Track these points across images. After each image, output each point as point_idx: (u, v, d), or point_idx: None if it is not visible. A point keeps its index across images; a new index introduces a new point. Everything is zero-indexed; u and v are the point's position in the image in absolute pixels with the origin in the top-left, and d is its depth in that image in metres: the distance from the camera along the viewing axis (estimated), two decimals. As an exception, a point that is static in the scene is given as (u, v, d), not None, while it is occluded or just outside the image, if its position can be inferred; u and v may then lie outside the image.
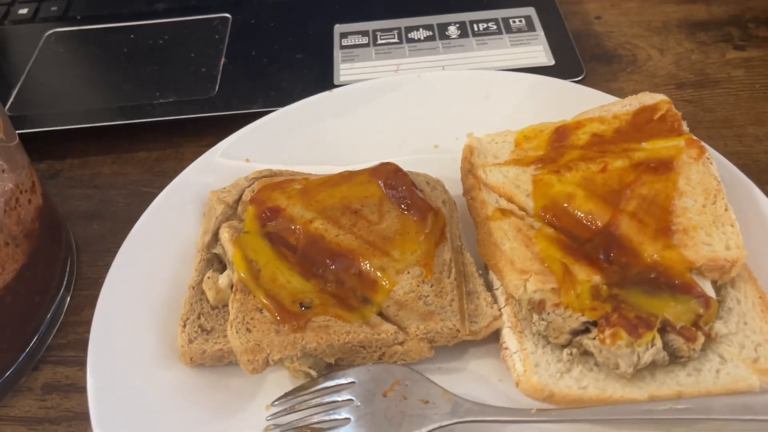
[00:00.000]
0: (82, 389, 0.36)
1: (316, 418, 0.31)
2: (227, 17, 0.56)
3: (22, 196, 0.37)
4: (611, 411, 0.30)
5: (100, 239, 0.44)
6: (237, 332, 0.33)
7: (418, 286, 0.35)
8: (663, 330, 0.31)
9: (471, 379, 0.34)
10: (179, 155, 0.49)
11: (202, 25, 0.56)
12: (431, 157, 0.44)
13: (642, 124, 0.41)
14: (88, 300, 0.40)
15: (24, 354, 0.36)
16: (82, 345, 0.38)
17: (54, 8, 0.59)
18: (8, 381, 0.36)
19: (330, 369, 0.34)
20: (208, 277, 0.36)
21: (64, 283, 0.41)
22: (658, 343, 0.31)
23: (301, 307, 0.34)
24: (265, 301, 0.34)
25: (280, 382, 0.34)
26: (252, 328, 0.33)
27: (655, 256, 0.33)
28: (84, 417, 0.34)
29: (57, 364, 0.37)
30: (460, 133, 0.43)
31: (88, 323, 0.38)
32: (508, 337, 0.33)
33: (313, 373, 0.33)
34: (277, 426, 0.32)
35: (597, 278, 0.33)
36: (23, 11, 0.59)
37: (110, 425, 0.31)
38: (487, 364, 0.34)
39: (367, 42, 0.52)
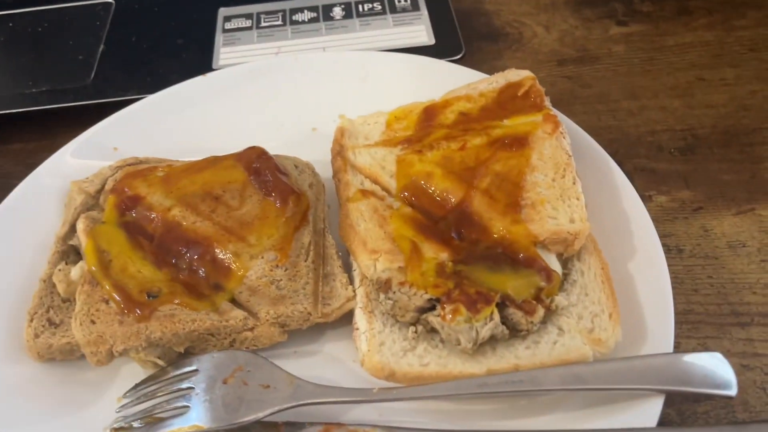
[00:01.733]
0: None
1: (159, 408, 0.31)
2: (110, 3, 0.55)
3: None
4: (448, 387, 0.30)
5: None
6: (81, 324, 0.32)
7: (272, 270, 0.34)
8: (503, 305, 0.31)
9: (326, 362, 0.34)
10: (55, 146, 0.47)
11: (83, 12, 0.54)
12: (307, 140, 0.44)
13: (506, 101, 0.41)
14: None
15: None
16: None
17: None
18: None
19: (180, 358, 0.33)
20: (59, 270, 0.36)
21: None
22: (497, 317, 0.31)
23: (148, 297, 0.33)
24: (111, 291, 0.33)
25: (133, 374, 0.34)
26: (96, 319, 0.33)
27: (503, 231, 0.33)
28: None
29: None
30: (338, 115, 0.42)
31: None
32: (359, 318, 0.33)
33: (161, 362, 0.33)
34: (124, 417, 0.32)
35: (444, 255, 0.33)
36: None
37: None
38: (342, 346, 0.34)
39: (250, 25, 0.52)
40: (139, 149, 0.43)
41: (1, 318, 0.35)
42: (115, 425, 0.32)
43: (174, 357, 0.33)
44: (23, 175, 0.46)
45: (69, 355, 0.34)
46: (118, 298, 0.33)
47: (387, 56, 0.47)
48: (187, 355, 0.34)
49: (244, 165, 0.39)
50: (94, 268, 0.34)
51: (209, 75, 0.46)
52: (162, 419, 0.31)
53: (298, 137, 0.44)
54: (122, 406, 0.32)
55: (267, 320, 0.33)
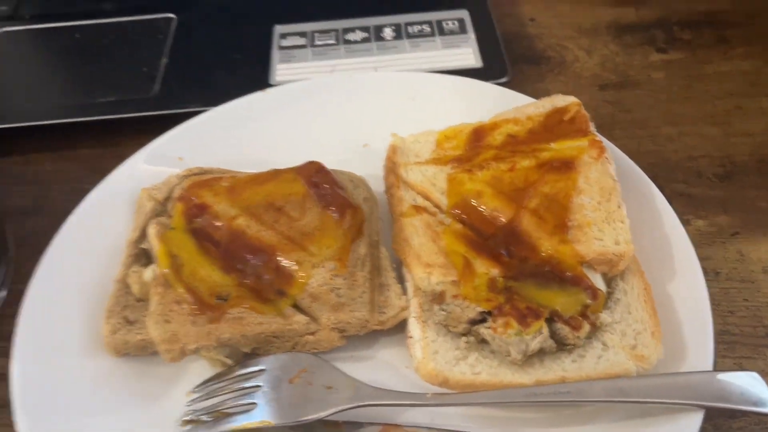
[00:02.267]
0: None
1: (227, 404, 0.33)
2: (172, 17, 0.58)
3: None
4: (499, 395, 0.32)
5: (40, 235, 0.45)
6: (156, 323, 0.35)
7: (332, 279, 0.37)
8: (551, 320, 0.33)
9: (379, 367, 0.36)
10: (119, 153, 0.50)
11: (146, 25, 0.57)
12: (360, 155, 0.46)
13: (553, 125, 0.43)
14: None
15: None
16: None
17: (4, 8, 0.60)
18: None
19: (246, 358, 0.36)
20: (134, 272, 0.38)
21: (2, 278, 0.42)
22: (546, 331, 0.33)
23: (218, 300, 0.36)
24: (183, 293, 0.36)
25: (201, 370, 0.36)
26: (171, 319, 0.35)
27: (551, 250, 0.35)
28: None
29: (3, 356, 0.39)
30: (388, 132, 0.45)
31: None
32: (413, 327, 0.35)
33: (229, 361, 0.35)
34: (194, 411, 0.34)
35: (495, 271, 0.35)
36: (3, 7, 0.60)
37: (33, 412, 0.33)
38: (395, 352, 0.37)
39: (304, 43, 0.54)
40: (203, 159, 0.45)
41: (80, 315, 0.37)
42: (185, 418, 0.34)
43: (240, 356, 0.36)
44: (90, 178, 0.49)
45: (143, 351, 0.36)
46: (190, 300, 0.36)
47: (436, 78, 0.49)
48: (252, 355, 0.36)
49: (304, 178, 0.42)
50: (166, 271, 0.37)
51: (269, 90, 0.48)
52: (229, 414, 0.33)
53: (351, 153, 0.47)
54: (192, 401, 0.35)
55: (327, 325, 0.35)
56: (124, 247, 0.41)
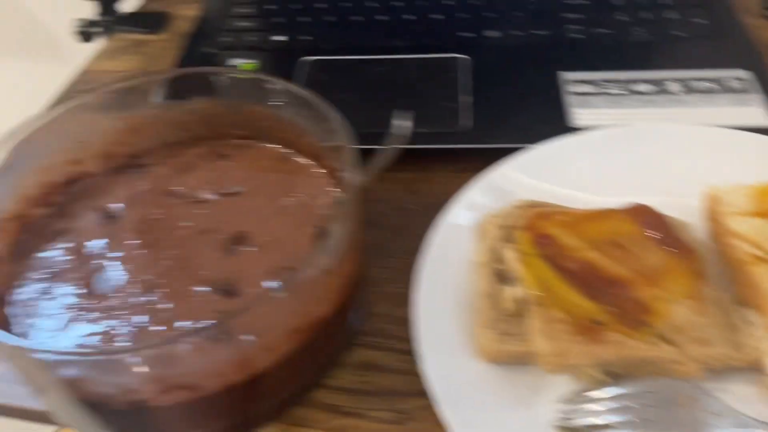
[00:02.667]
0: (393, 371, 0.44)
1: (602, 419, 0.38)
2: (463, 57, 0.64)
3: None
4: None
5: (379, 245, 0.52)
6: (543, 339, 0.40)
7: (691, 315, 0.41)
8: None
9: (735, 401, 0.40)
10: (430, 178, 0.57)
11: (441, 64, 0.64)
12: (670, 201, 0.50)
13: None
14: (379, 296, 0.48)
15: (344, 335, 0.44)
16: (383, 333, 0.46)
17: (307, 38, 0.68)
18: (333, 358, 0.44)
19: (617, 378, 0.41)
20: (504, 289, 0.44)
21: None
22: None
23: (595, 324, 0.41)
24: (562, 314, 0.41)
25: (565, 382, 0.41)
26: (555, 337, 0.40)
27: None
28: (400, 394, 0.43)
29: (366, 348, 0.45)
30: (696, 182, 0.49)
31: (383, 314, 0.47)
32: (771, 366, 0.39)
33: (605, 378, 0.40)
34: (568, 419, 0.39)
35: None
36: (279, 38, 0.69)
37: (452, 404, 0.38)
38: (749, 389, 0.40)
39: (594, 91, 0.59)
40: (525, 192, 0.51)
41: (452, 322, 0.43)
42: (560, 424, 0.39)
43: (611, 376, 0.41)
44: (408, 200, 0.55)
45: (515, 361, 0.42)
46: (570, 321, 0.41)
47: (744, 134, 0.53)
48: (620, 377, 0.41)
49: (636, 219, 0.47)
50: (538, 293, 0.42)
51: (578, 135, 0.53)
52: (604, 427, 0.38)
53: (659, 199, 0.51)
54: (563, 412, 0.40)
55: (692, 358, 0.40)
56: (476, 265, 0.46)
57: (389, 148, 0.33)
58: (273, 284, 0.41)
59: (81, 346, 0.39)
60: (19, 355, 0.34)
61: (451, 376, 0.40)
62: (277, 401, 0.41)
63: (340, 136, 0.42)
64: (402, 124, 0.32)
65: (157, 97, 0.51)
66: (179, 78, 0.53)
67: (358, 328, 0.46)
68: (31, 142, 0.46)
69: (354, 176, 0.37)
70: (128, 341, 0.39)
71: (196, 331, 0.35)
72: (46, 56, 1.18)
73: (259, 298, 0.34)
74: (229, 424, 0.40)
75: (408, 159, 0.58)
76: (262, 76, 0.47)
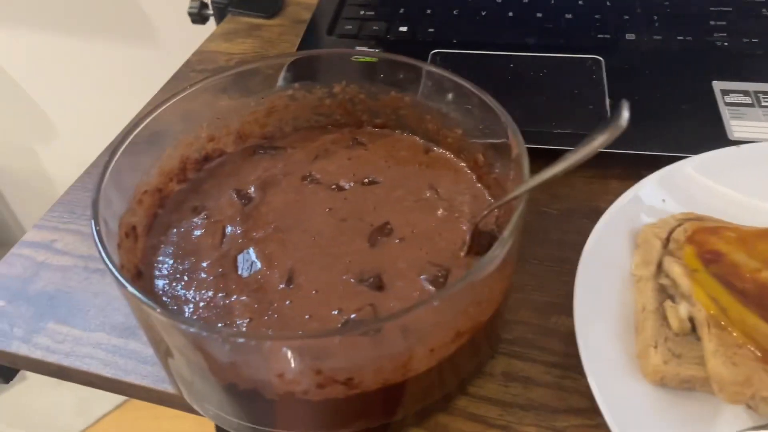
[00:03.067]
0: (540, 384, 0.41)
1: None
2: (599, 59, 0.60)
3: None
4: None
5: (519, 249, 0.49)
6: (723, 364, 0.36)
7: None
8: None
9: None
10: (568, 182, 0.54)
11: (576, 64, 0.60)
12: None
13: None
14: (519, 302, 0.45)
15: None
16: (526, 342, 0.43)
17: (431, 30, 0.66)
18: (477, 366, 0.41)
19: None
20: (671, 307, 0.40)
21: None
22: None
23: (782, 352, 0.37)
24: (744, 339, 0.37)
25: (743, 414, 0.37)
26: (737, 363, 0.37)
27: None
28: (548, 409, 0.39)
29: (509, 357, 0.42)
30: None
31: (524, 323, 0.44)
32: None
33: (795, 414, 0.36)
34: (751, 455, 0.35)
35: None
36: (403, 29, 0.66)
37: (621, 426, 0.35)
38: None
39: (750, 102, 0.55)
40: (684, 204, 0.47)
41: (615, 343, 0.40)
42: (740, 460, 0.35)
43: (799, 412, 0.37)
44: (546, 202, 0.52)
45: (680, 385, 0.38)
46: (753, 347, 0.37)
47: None
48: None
49: (816, 242, 0.42)
50: (713, 313, 0.39)
51: (742, 147, 0.49)
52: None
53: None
54: (745, 444, 0.36)
55: None
56: (635, 279, 0.43)
57: (602, 139, 0.30)
58: (434, 286, 0.39)
59: (234, 327, 0.37)
60: (177, 332, 0.32)
61: (619, 398, 0.37)
62: (423, 405, 0.38)
63: (509, 131, 0.39)
64: (626, 115, 0.29)
65: (288, 79, 0.49)
66: (316, 59, 0.51)
67: (501, 336, 0.43)
68: (171, 114, 0.44)
69: (540, 176, 0.34)
70: (276, 328, 0.37)
71: (365, 324, 0.33)
72: (141, 40, 1.18)
73: (432, 296, 0.31)
74: (372, 425, 0.38)
75: (541, 160, 0.55)
76: (418, 62, 0.45)
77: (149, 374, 0.42)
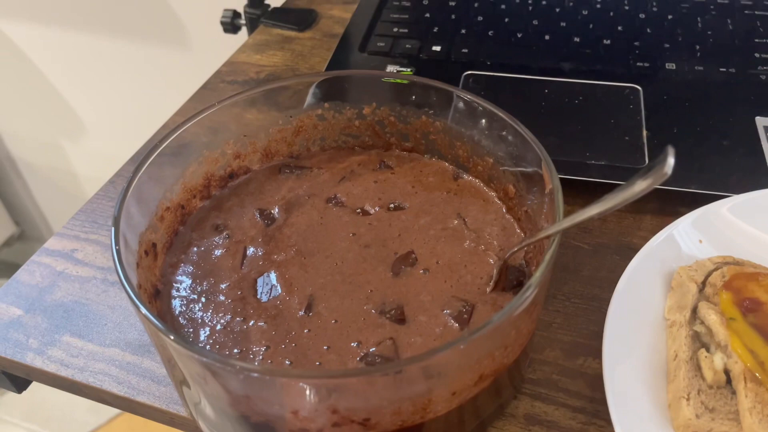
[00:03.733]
0: (563, 429, 0.39)
1: None
2: (637, 89, 0.58)
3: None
4: None
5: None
6: (759, 422, 0.35)
7: None
8: None
9: None
10: (604, 217, 0.52)
11: (613, 92, 0.59)
12: None
13: None
14: (545, 341, 0.43)
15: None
16: (551, 384, 0.41)
17: (465, 51, 0.64)
18: (499, 407, 0.39)
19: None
20: (705, 357, 0.38)
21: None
22: None
23: (824, 414, 0.35)
24: (783, 397, 0.35)
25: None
26: (774, 422, 0.35)
27: None
28: (573, 458, 0.38)
29: (533, 398, 0.40)
30: None
31: (550, 363, 0.42)
32: None
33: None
34: None
35: None
36: (436, 48, 0.65)
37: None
38: None
39: (794, 140, 0.53)
40: (722, 247, 0.45)
41: (644, 390, 0.38)
42: None
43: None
44: (579, 237, 0.50)
45: (716, 440, 0.36)
46: (793, 406, 0.35)
47: None
48: None
49: None
50: (750, 366, 0.37)
51: (784, 188, 0.47)
52: None
53: None
54: None
55: None
56: (668, 324, 0.41)
57: (644, 184, 0.29)
58: (457, 322, 0.37)
59: (244, 357, 0.36)
60: (190, 360, 0.31)
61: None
62: (440, 447, 0.37)
63: (543, 164, 0.38)
64: (671, 162, 0.27)
65: (317, 96, 0.48)
66: (347, 79, 0.50)
67: (525, 376, 0.41)
68: (198, 130, 0.43)
69: (574, 217, 0.33)
70: (293, 358, 0.36)
71: (385, 366, 0.32)
72: (172, 43, 1.19)
73: (457, 339, 0.29)
74: (387, 465, 0.36)
75: (581, 193, 0.54)
76: (450, 87, 0.43)
77: (162, 395, 0.41)
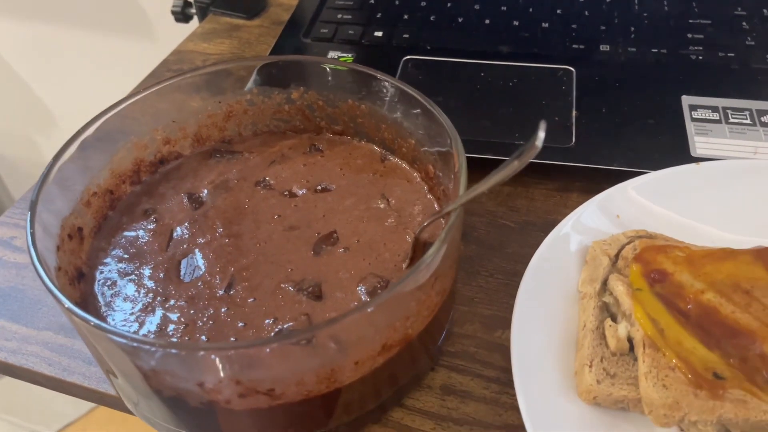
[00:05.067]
0: (476, 398, 0.40)
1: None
2: (570, 70, 0.60)
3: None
4: None
5: (470, 260, 0.49)
6: (653, 386, 0.36)
7: (827, 380, 0.36)
8: None
9: None
10: (529, 194, 0.53)
11: (547, 74, 0.60)
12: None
13: None
14: (466, 315, 0.45)
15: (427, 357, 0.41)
16: (469, 356, 0.43)
17: (406, 36, 0.65)
18: (415, 378, 0.41)
19: (732, 439, 0.36)
20: (610, 326, 0.40)
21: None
22: None
23: (714, 377, 0.36)
24: (677, 362, 0.37)
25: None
26: (668, 385, 0.36)
27: None
28: (482, 425, 0.39)
29: (450, 369, 0.42)
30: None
31: (469, 336, 0.43)
32: None
33: (720, 439, 0.36)
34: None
35: None
36: (378, 34, 0.66)
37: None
38: None
39: (718, 118, 0.54)
40: (638, 221, 0.47)
41: (552, 359, 0.40)
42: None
43: (728, 437, 0.36)
44: (505, 215, 0.52)
45: (614, 405, 0.38)
46: (686, 370, 0.37)
47: None
48: (739, 437, 0.36)
49: (765, 263, 0.42)
50: (650, 334, 0.38)
51: (702, 164, 0.49)
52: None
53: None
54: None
55: (826, 428, 0.35)
56: (580, 296, 0.43)
57: (520, 160, 0.30)
58: (371, 297, 0.39)
59: (161, 335, 0.37)
60: (97, 336, 0.32)
61: (548, 415, 0.36)
62: (354, 417, 0.38)
63: (453, 144, 0.39)
64: (541, 135, 0.28)
65: (252, 83, 0.49)
66: (277, 65, 0.51)
67: (443, 348, 0.43)
68: (126, 116, 0.44)
69: (473, 189, 0.34)
70: (209, 335, 0.37)
71: (286, 335, 0.33)
72: (139, 34, 1.19)
73: (355, 308, 0.31)
74: (302, 435, 0.38)
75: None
76: (371, 71, 0.45)
77: (92, 375, 0.42)
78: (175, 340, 0.37)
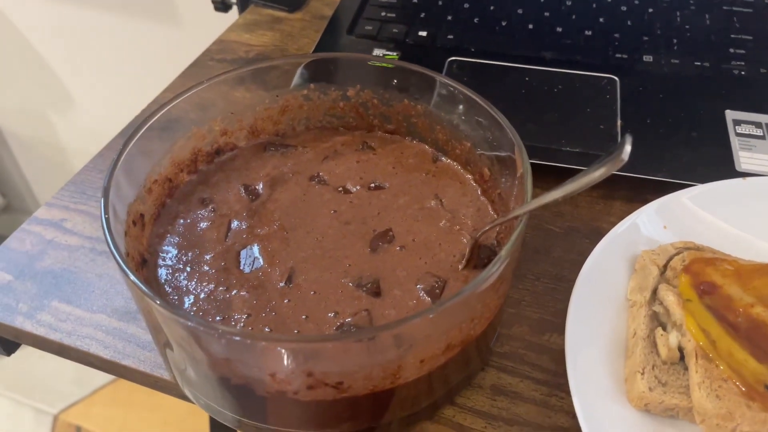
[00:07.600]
0: (526, 400, 0.41)
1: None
2: (615, 79, 0.60)
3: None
4: None
5: (518, 264, 0.49)
6: (707, 396, 0.37)
7: None
8: None
9: None
10: (574, 202, 0.54)
11: (591, 82, 0.60)
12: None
13: None
14: (514, 318, 0.46)
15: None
16: (518, 357, 0.43)
17: (450, 37, 0.66)
18: (467, 377, 0.41)
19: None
20: (661, 335, 0.41)
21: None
22: None
23: (766, 389, 0.37)
24: (729, 373, 0.38)
25: (722, 447, 0.38)
26: (721, 396, 0.37)
27: None
28: (532, 426, 0.40)
29: (499, 370, 0.43)
30: None
31: (518, 338, 0.44)
32: None
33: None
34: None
35: None
36: (422, 33, 0.67)
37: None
38: None
39: (762, 134, 0.55)
40: (685, 233, 0.47)
41: (603, 365, 0.40)
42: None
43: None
44: (551, 220, 0.52)
45: (662, 413, 0.39)
46: (739, 381, 0.38)
47: None
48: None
49: (812, 281, 0.43)
50: (702, 345, 0.39)
51: (748, 180, 0.50)
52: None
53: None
54: (722, 477, 0.36)
55: None
56: (629, 304, 0.43)
57: (602, 171, 0.31)
58: (429, 297, 0.39)
59: (225, 324, 0.38)
60: (174, 324, 0.33)
61: (601, 420, 0.37)
62: (408, 413, 0.39)
63: (516, 149, 0.40)
64: (627, 149, 0.29)
65: (299, 77, 0.50)
66: (333, 61, 0.52)
67: (493, 349, 0.44)
68: (187, 106, 0.45)
69: (539, 200, 0.35)
70: (272, 326, 0.38)
71: (374, 330, 0.34)
72: (162, 19, 1.19)
73: (427, 310, 0.32)
74: (359, 428, 0.39)
75: (548, 177, 0.56)
76: (434, 74, 0.45)
77: (147, 359, 0.43)
78: (239, 329, 0.37)
